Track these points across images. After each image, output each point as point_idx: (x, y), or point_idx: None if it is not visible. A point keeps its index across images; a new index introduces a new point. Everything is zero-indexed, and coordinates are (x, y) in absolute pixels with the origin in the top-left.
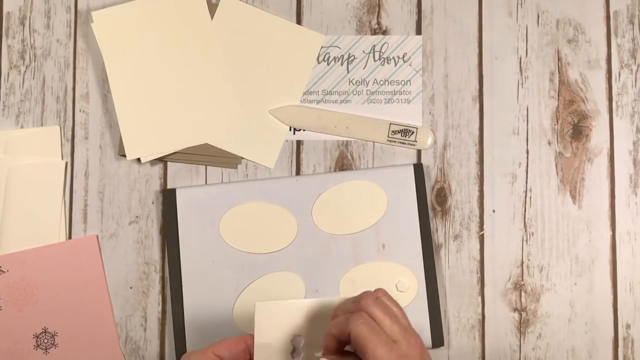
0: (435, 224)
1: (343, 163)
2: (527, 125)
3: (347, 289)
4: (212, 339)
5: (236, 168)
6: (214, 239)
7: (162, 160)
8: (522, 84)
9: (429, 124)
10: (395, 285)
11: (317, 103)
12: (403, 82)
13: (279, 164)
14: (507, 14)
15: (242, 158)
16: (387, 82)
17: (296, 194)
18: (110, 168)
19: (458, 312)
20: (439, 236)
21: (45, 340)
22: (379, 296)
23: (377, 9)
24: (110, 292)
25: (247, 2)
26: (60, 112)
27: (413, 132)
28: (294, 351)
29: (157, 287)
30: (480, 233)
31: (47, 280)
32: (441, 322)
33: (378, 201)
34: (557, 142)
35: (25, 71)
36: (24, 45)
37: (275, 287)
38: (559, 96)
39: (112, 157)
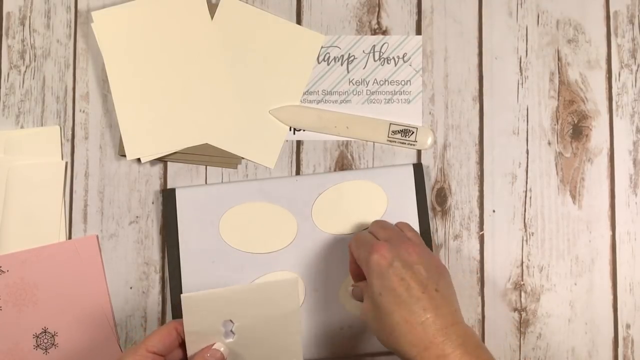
0: (435, 224)
1: (343, 163)
2: (527, 125)
3: (347, 294)
4: None
5: (236, 168)
6: (214, 238)
7: (162, 160)
8: (522, 84)
9: (429, 124)
10: None
11: (317, 103)
12: (403, 82)
13: (279, 164)
14: (507, 14)
15: (242, 158)
16: (387, 82)
17: (296, 194)
18: (110, 168)
19: None
20: (439, 236)
21: (45, 340)
22: (385, 221)
23: (377, 9)
24: (110, 292)
25: (247, 2)
26: (60, 112)
27: (413, 132)
28: (226, 334)
29: (157, 287)
30: (480, 233)
31: (47, 280)
32: None
33: (378, 201)
34: (557, 142)
35: (25, 71)
36: (24, 45)
37: None
38: (559, 96)
39: (112, 157)
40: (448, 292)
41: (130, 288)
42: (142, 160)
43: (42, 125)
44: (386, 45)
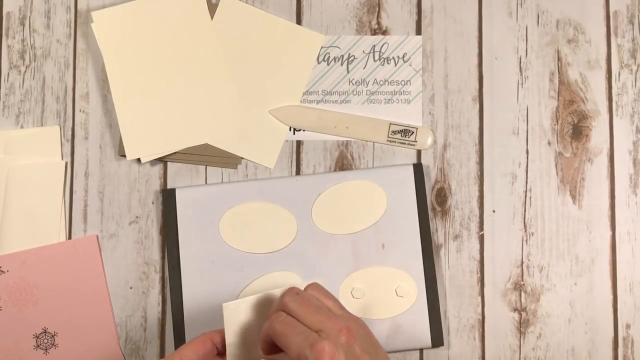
0: (435, 224)
1: (343, 163)
2: (527, 125)
3: (347, 295)
4: None
5: (236, 168)
6: (214, 238)
7: (162, 160)
8: (522, 84)
9: (429, 124)
10: (395, 290)
11: (317, 103)
12: (403, 82)
13: (279, 164)
14: (507, 14)
15: (242, 158)
16: (387, 82)
17: (296, 194)
18: (110, 168)
19: (458, 312)
20: (439, 236)
21: (45, 340)
22: (298, 292)
23: (377, 9)
24: (110, 292)
25: (247, 2)
26: (60, 112)
27: (413, 132)
28: None
29: (157, 287)
30: (480, 233)
31: (47, 280)
32: (441, 322)
33: (378, 201)
34: (557, 142)
35: (25, 71)
36: (24, 45)
37: (274, 287)
38: (559, 96)
39: (112, 157)
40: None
41: (130, 288)
42: (142, 160)
43: (42, 125)
44: (386, 45)
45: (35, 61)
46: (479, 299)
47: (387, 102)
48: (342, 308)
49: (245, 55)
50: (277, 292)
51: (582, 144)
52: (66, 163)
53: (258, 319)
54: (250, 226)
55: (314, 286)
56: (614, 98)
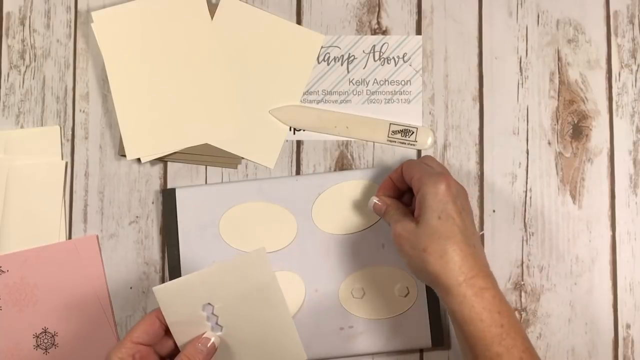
0: None
1: (343, 163)
2: (527, 125)
3: (347, 295)
4: None
5: (236, 168)
6: (214, 238)
7: (162, 160)
8: (522, 84)
9: (429, 124)
10: (395, 290)
11: (317, 103)
12: (403, 82)
13: (279, 164)
14: (507, 14)
15: (242, 158)
16: (387, 82)
17: (296, 194)
18: (110, 168)
19: None
20: None
21: (45, 340)
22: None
23: (377, 9)
24: (110, 292)
25: (247, 2)
26: (60, 112)
27: (413, 132)
28: (208, 318)
29: None
30: (480, 233)
31: (47, 280)
32: (441, 323)
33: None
34: (557, 142)
35: (25, 71)
36: (24, 45)
37: None
38: (559, 96)
39: (112, 157)
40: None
41: (130, 288)
42: (142, 160)
43: (42, 125)
44: (386, 45)
45: (35, 61)
46: None
47: (387, 102)
48: (446, 172)
49: (245, 55)
50: (205, 271)
51: (582, 144)
52: (66, 163)
53: (192, 297)
54: (250, 226)
55: (425, 157)
56: (614, 98)
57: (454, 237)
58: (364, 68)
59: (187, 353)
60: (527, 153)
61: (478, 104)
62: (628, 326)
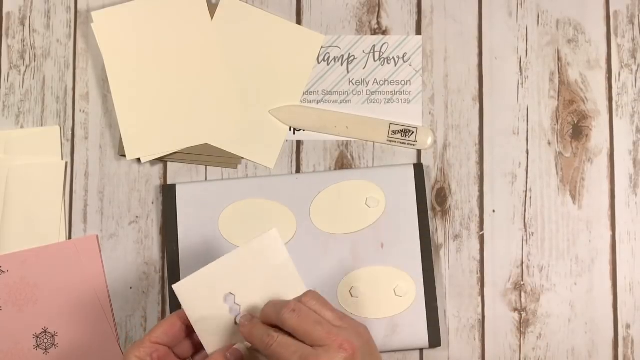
0: (435, 224)
1: (343, 163)
2: (527, 125)
3: (345, 294)
4: None
5: (236, 168)
6: (213, 235)
7: (162, 160)
8: (522, 84)
9: (429, 124)
10: (394, 289)
11: (317, 103)
12: (403, 82)
13: (279, 164)
14: (507, 14)
15: (242, 158)
16: (387, 82)
17: (295, 192)
18: (110, 168)
19: (458, 312)
20: (439, 236)
21: (45, 340)
22: (295, 307)
23: (377, 9)
24: (110, 292)
25: (247, 2)
26: (60, 112)
27: (413, 132)
28: (231, 310)
29: (157, 287)
30: (480, 233)
31: (47, 280)
32: (439, 323)
33: (377, 201)
34: (557, 142)
35: (25, 71)
36: (24, 45)
37: None
38: (559, 96)
39: (112, 157)
40: None
41: (130, 288)
42: (142, 160)
43: (42, 125)
44: (386, 45)
45: (35, 61)
46: (479, 299)
47: (387, 102)
48: (341, 317)
49: (245, 55)
50: (221, 261)
51: (582, 144)
52: (66, 163)
53: (212, 288)
54: (249, 223)
55: (312, 295)
56: (614, 98)
57: None
58: (364, 68)
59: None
60: (527, 153)
61: (478, 104)
62: (628, 326)
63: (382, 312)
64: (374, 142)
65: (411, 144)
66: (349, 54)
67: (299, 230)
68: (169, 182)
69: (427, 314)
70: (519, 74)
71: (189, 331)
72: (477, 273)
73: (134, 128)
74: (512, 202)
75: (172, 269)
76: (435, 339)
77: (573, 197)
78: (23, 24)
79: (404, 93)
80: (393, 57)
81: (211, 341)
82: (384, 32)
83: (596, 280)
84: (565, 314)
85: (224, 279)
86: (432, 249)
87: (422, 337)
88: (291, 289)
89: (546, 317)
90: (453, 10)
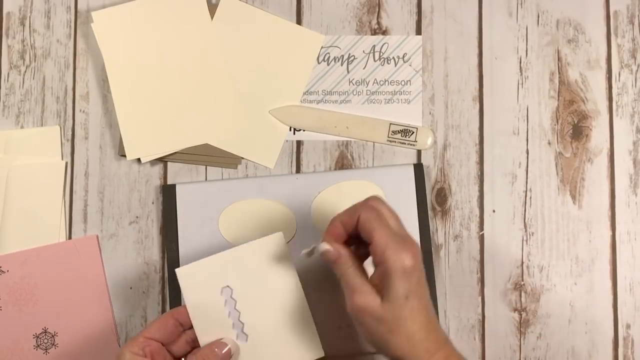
0: (435, 224)
1: (343, 163)
2: (527, 125)
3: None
4: None
5: (236, 168)
6: (213, 235)
7: (162, 160)
8: (522, 84)
9: (429, 124)
10: None
11: (317, 103)
12: (403, 82)
13: (279, 164)
14: (507, 14)
15: (242, 158)
16: (387, 82)
17: (296, 192)
18: (110, 168)
19: (458, 312)
20: (439, 236)
21: (45, 340)
22: (375, 206)
23: (377, 9)
24: (110, 292)
25: (247, 2)
26: (60, 112)
27: (413, 132)
28: (227, 303)
29: (157, 287)
30: (480, 233)
31: (47, 280)
32: (438, 322)
33: None
34: (557, 142)
35: (25, 71)
36: (24, 45)
37: None
38: (559, 96)
39: (112, 157)
40: None
41: (130, 288)
42: (142, 160)
43: (42, 125)
44: (386, 45)
45: (35, 61)
46: (479, 299)
47: (387, 102)
48: (403, 228)
49: (246, 55)
50: (225, 253)
51: (582, 144)
52: (66, 163)
53: (211, 278)
54: (249, 223)
55: (379, 201)
56: (614, 98)
57: (421, 317)
58: (364, 68)
59: (202, 354)
60: (527, 153)
61: (478, 104)
62: (628, 326)
63: None
64: (374, 142)
65: (411, 144)
66: (349, 54)
67: (299, 230)
68: (169, 182)
69: None
70: (519, 74)
71: (183, 329)
72: (477, 273)
73: (134, 128)
74: (512, 202)
75: (172, 269)
76: None
77: (573, 197)
78: (23, 24)
79: (404, 93)
80: (393, 57)
81: (203, 329)
82: (384, 32)
83: (596, 281)
84: (565, 314)
85: (225, 272)
86: (432, 248)
87: None
88: (290, 298)
89: (546, 317)
90: (453, 10)
